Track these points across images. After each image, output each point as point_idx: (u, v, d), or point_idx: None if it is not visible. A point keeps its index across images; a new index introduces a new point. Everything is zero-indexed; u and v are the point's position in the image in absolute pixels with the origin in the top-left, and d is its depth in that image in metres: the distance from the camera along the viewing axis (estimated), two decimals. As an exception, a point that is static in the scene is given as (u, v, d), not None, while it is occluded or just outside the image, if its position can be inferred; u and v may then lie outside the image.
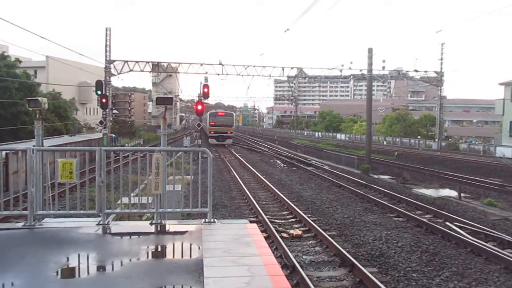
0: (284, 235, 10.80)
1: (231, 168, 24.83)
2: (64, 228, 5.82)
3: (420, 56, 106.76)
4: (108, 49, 36.87)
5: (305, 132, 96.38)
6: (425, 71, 42.46)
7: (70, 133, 41.28)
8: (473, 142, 54.53)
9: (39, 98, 6.16)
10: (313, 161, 30.73)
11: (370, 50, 29.47)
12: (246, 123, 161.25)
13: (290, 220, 12.74)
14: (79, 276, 4.36)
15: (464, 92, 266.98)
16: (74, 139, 34.08)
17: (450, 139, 59.50)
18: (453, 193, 18.72)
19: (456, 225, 11.91)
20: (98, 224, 5.82)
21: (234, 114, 56.31)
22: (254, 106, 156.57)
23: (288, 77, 42.20)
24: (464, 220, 12.47)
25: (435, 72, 43.33)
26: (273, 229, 10.86)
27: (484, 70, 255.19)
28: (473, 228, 11.57)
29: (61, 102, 48.32)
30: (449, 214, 13.27)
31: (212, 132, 46.51)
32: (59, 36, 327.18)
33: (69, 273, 4.45)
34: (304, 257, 9.22)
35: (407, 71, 43.04)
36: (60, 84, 45.46)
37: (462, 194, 17.71)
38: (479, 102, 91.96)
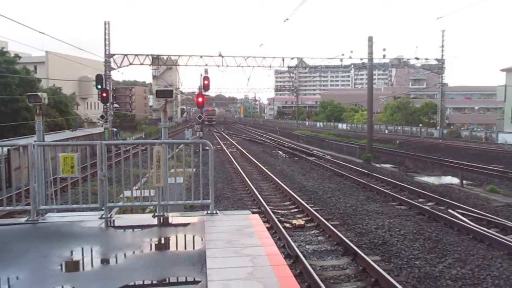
0: (287, 225, 10.84)
1: (233, 160, 24.85)
2: (67, 222, 5.85)
3: (420, 43, 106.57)
4: (107, 43, 36.70)
5: (307, 123, 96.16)
6: (426, 59, 42.19)
7: (71, 128, 41.35)
8: (475, 129, 54.34)
9: (39, 94, 6.17)
10: (315, 151, 30.72)
11: (370, 39, 29.30)
12: (247, 114, 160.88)
13: (292, 210, 12.77)
14: (83, 269, 4.40)
15: (465, 79, 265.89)
16: (75, 134, 34.19)
17: (451, 127, 59.28)
18: (455, 181, 18.73)
19: (458, 212, 11.92)
20: (101, 218, 5.85)
21: (216, 109, 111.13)
22: (255, 97, 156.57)
23: (289, 67, 42.07)
24: (467, 207, 12.48)
25: (436, 59, 43.04)
26: (276, 220, 10.89)
27: (485, 57, 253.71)
28: (475, 215, 11.58)
29: (61, 97, 48.25)
30: (451, 201, 13.28)
31: (205, 119, 77.25)
32: (57, 30, 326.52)
33: (73, 266, 4.49)
34: (307, 246, 9.26)
35: (408, 59, 42.76)
36: (60, 79, 45.39)
37: (464, 181, 17.72)
38: (481, 89, 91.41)
